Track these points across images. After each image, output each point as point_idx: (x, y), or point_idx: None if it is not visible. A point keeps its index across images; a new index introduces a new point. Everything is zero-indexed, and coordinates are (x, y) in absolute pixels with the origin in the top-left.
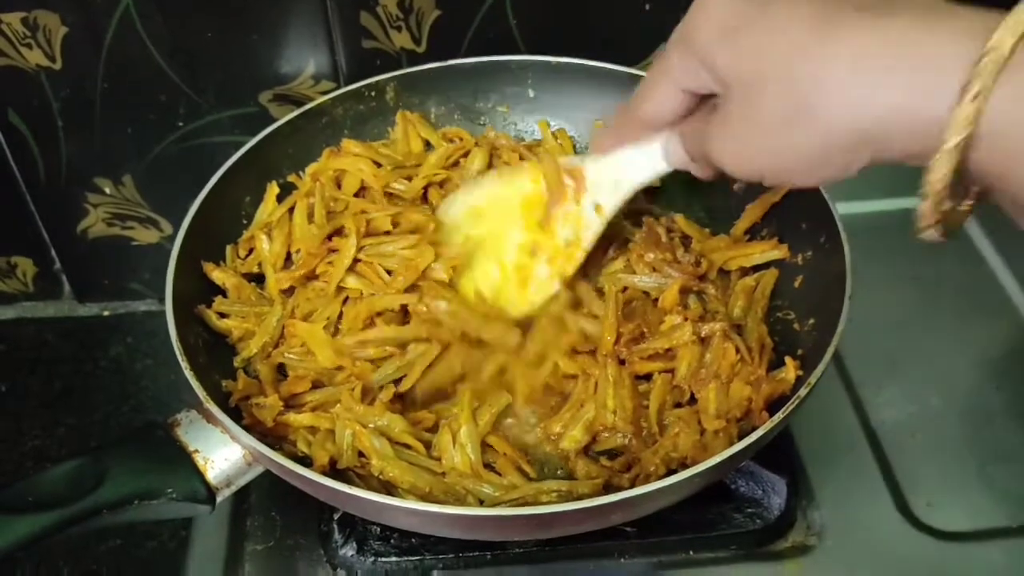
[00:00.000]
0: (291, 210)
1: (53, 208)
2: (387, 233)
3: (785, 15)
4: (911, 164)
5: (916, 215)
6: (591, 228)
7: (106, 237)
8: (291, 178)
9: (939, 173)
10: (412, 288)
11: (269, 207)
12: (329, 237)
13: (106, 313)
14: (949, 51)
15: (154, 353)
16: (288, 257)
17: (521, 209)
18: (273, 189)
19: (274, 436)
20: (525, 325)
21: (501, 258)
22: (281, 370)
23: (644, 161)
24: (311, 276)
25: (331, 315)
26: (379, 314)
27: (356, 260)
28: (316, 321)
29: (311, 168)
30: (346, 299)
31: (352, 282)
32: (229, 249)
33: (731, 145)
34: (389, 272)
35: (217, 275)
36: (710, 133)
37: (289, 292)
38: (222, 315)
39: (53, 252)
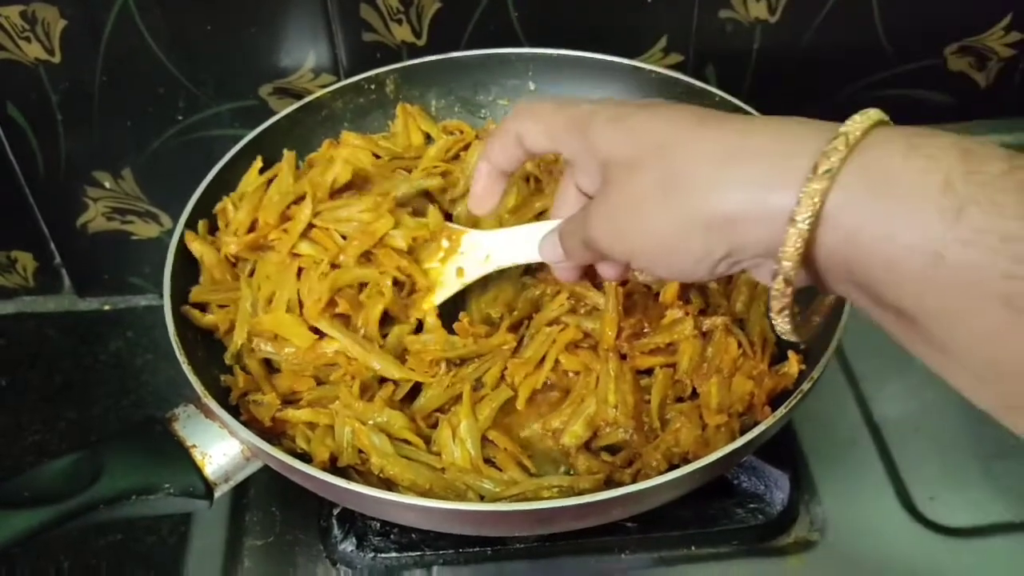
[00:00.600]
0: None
1: (53, 202)
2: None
3: (665, 111)
4: (767, 278)
5: (770, 296)
6: (447, 288)
7: (106, 231)
8: None
9: (789, 248)
10: (367, 255)
11: (251, 179)
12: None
13: (106, 308)
14: (805, 145)
15: (154, 348)
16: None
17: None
18: (257, 163)
19: (272, 431)
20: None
21: None
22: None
23: (518, 247)
24: (264, 245)
25: (291, 296)
26: (339, 291)
27: (312, 226)
28: (277, 306)
29: (310, 157)
30: (300, 271)
31: (306, 248)
32: (201, 224)
33: (605, 223)
34: (346, 239)
35: (196, 246)
36: (589, 214)
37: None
38: (205, 311)
39: (53, 246)
